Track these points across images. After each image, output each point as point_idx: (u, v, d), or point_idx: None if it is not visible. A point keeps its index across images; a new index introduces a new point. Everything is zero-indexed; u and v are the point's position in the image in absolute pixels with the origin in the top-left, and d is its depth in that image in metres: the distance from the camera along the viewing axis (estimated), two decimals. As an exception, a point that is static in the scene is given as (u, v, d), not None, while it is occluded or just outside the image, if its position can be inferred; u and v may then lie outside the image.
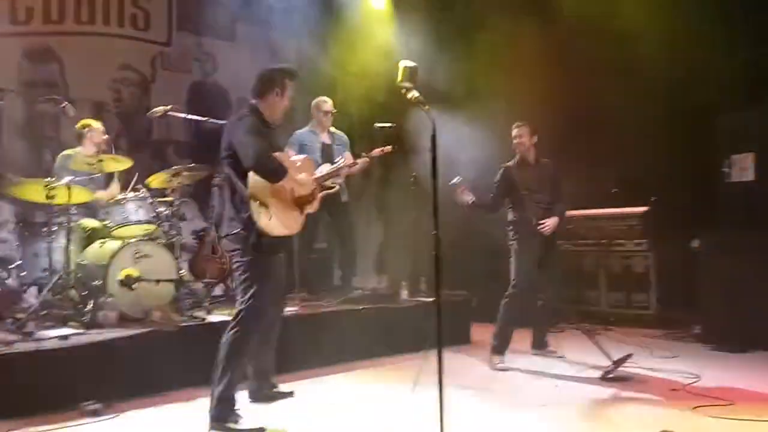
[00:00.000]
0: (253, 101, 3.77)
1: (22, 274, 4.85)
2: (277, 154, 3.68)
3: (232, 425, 3.46)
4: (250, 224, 3.53)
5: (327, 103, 5.91)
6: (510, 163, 5.28)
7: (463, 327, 6.11)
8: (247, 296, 3.59)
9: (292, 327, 4.83)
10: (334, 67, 7.20)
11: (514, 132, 5.26)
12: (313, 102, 5.96)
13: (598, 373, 4.62)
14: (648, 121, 6.43)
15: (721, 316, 5.61)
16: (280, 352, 4.19)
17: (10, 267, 4.87)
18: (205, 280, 5.85)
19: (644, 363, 4.86)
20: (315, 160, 5.75)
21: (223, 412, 3.48)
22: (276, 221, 3.57)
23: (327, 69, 7.09)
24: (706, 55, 5.73)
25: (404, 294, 6.06)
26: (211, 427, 3.47)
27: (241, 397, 3.73)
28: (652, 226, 6.75)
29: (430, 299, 5.80)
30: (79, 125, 5.38)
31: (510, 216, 5.26)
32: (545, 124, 5.45)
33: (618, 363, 4.58)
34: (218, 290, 6.13)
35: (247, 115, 3.70)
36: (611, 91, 6.28)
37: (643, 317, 6.59)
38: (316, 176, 4.08)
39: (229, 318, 4.75)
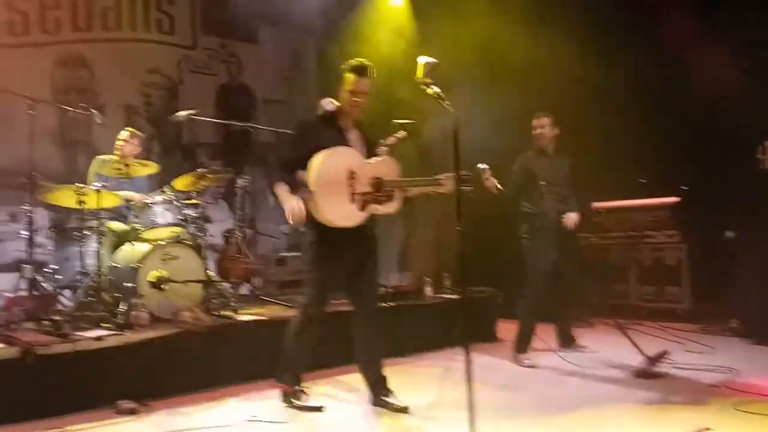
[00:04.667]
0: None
1: (57, 277, 4.97)
2: (341, 149, 3.71)
3: (294, 401, 3.82)
4: (309, 216, 3.64)
5: (332, 103, 5.87)
6: (528, 154, 5.22)
7: (489, 324, 6.06)
8: (305, 286, 3.88)
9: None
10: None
11: (535, 122, 5.20)
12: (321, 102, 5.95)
13: (631, 370, 4.54)
14: (677, 107, 6.29)
15: (759, 309, 5.46)
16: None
17: (45, 271, 4.99)
18: (231, 280, 5.92)
19: (679, 358, 4.72)
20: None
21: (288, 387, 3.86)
22: (328, 212, 3.63)
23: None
24: (737, 38, 5.59)
25: (428, 291, 6.04)
26: (282, 399, 3.90)
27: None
28: (683, 216, 6.62)
29: (455, 296, 5.78)
30: (118, 136, 5.56)
31: (524, 208, 5.18)
32: (568, 114, 5.38)
33: (652, 359, 4.48)
34: (244, 290, 6.22)
35: (302, 119, 3.89)
36: (638, 78, 6.16)
37: (677, 311, 6.47)
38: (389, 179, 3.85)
39: (256, 317, 4.92)
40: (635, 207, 6.90)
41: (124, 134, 5.59)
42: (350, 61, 3.78)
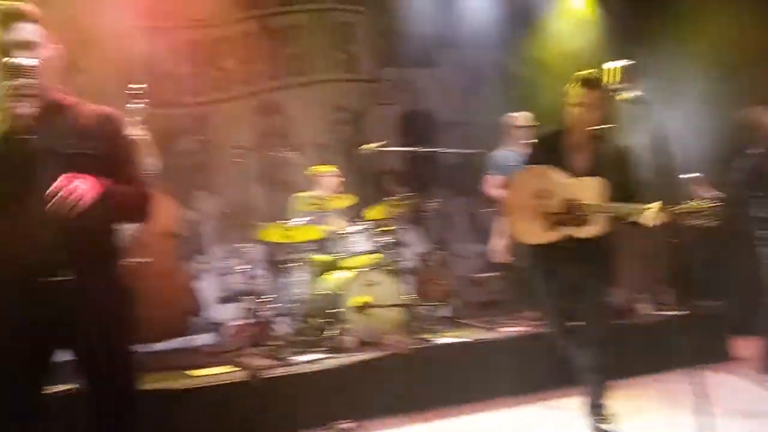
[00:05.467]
0: None
1: (274, 306, 5.41)
2: (535, 168, 3.67)
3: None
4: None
5: (517, 117, 5.76)
6: (757, 151, 4.67)
7: (720, 342, 5.37)
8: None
9: (521, 348, 4.76)
10: (536, 76, 7.07)
11: (755, 117, 4.68)
12: (503, 119, 5.88)
13: None
14: None
15: None
16: (506, 373, 4.14)
17: (263, 300, 5.46)
18: (430, 303, 6.01)
19: None
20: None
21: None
22: (515, 229, 3.74)
23: (530, 79, 6.98)
24: None
25: (644, 308, 5.63)
26: None
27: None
28: None
29: (678, 312, 5.30)
30: (312, 172, 5.98)
31: (757, 212, 4.61)
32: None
33: None
34: (442, 312, 6.26)
35: (539, 134, 3.99)
36: None
37: None
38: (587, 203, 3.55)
39: (456, 339, 4.95)
40: None
41: (321, 171, 6.00)
42: (577, 73, 3.57)
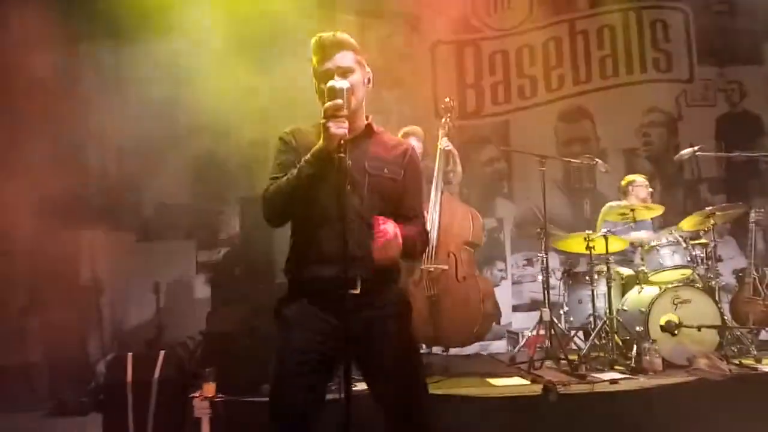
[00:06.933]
0: None
1: (570, 319, 5.34)
2: None
3: None
4: None
5: None
6: None
7: None
8: None
9: None
10: None
11: None
12: None
13: None
14: None
15: None
16: None
17: (559, 312, 5.42)
18: (750, 325, 5.37)
19: None
20: None
21: None
22: None
23: None
24: None
25: None
26: None
27: None
28: None
29: None
30: (624, 181, 5.82)
31: None
32: None
33: None
34: (765, 335, 5.60)
35: None
36: None
37: None
38: None
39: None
40: None
41: (631, 179, 5.77)
42: None
